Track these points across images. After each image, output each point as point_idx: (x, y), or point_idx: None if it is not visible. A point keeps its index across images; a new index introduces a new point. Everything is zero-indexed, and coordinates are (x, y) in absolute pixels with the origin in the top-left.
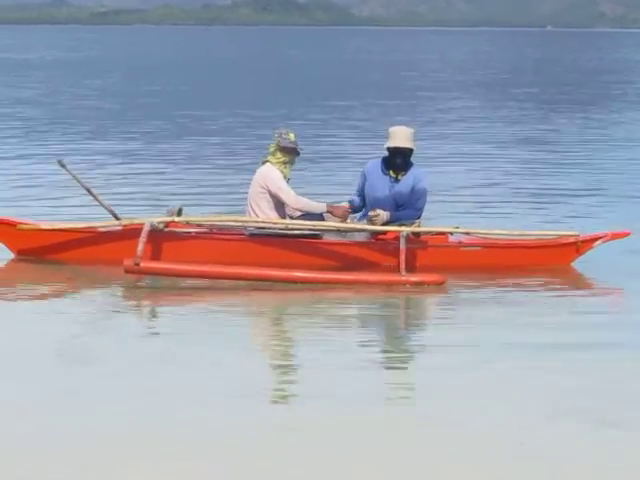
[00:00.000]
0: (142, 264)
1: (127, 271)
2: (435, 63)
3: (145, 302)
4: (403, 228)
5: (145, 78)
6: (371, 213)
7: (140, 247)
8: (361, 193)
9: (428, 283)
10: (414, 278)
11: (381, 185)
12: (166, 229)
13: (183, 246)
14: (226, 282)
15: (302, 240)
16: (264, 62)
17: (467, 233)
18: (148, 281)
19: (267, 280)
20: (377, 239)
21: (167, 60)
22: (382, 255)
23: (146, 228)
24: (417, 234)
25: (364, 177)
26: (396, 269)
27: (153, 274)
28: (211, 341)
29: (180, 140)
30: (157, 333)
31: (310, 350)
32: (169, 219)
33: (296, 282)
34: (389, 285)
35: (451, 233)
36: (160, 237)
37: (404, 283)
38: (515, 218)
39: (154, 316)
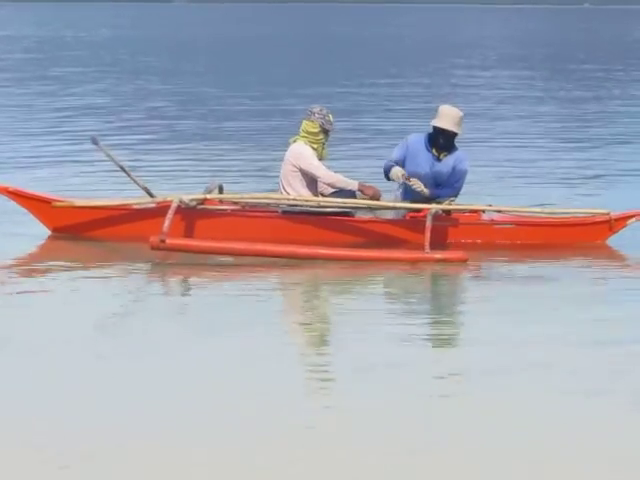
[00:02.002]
0: (168, 241)
1: (153, 247)
2: (481, 40)
3: (179, 280)
4: (433, 205)
5: (185, 56)
6: (411, 182)
7: (166, 224)
8: (399, 163)
9: (451, 261)
10: (437, 255)
11: (423, 161)
12: (199, 207)
13: (215, 223)
14: (256, 259)
15: (333, 218)
16: (307, 39)
17: (499, 211)
18: (182, 258)
19: (292, 257)
20: (410, 217)
21: (210, 38)
22: (413, 233)
23: (174, 205)
24: (448, 212)
25: (406, 148)
26: (428, 246)
27: (179, 250)
28: (243, 318)
29: (216, 118)
30: (189, 311)
31: (344, 326)
32: (201, 196)
33: (320, 259)
34: (413, 262)
35: (483, 211)
36: (192, 214)
37: (427, 260)
38: (549, 196)
39: (187, 294)
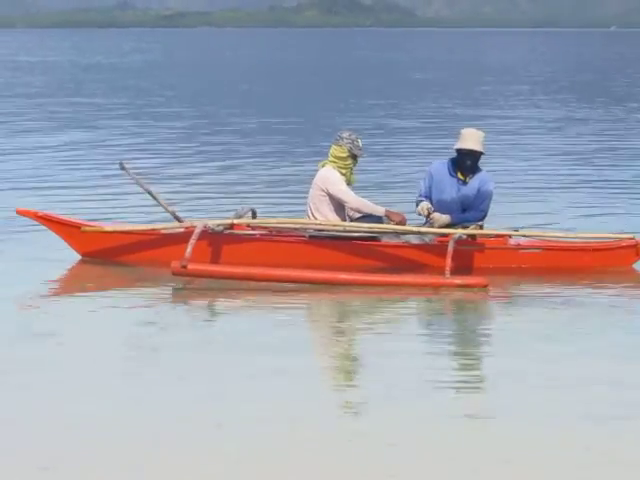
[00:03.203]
0: (189, 266)
1: (174, 273)
2: (504, 63)
3: (206, 305)
4: (458, 230)
5: (210, 80)
6: (430, 217)
7: (189, 249)
8: (428, 194)
9: (471, 286)
10: (457, 281)
11: (448, 187)
12: (227, 231)
13: (242, 249)
14: (281, 284)
15: (360, 242)
16: (330, 64)
17: (525, 236)
18: (211, 284)
19: (314, 282)
20: (438, 241)
21: (240, 63)
22: (438, 258)
23: (197, 230)
24: (473, 236)
25: (430, 178)
26: (449, 271)
27: (201, 276)
28: (270, 344)
29: (244, 143)
30: (216, 337)
31: (369, 352)
32: (228, 221)
33: (340, 284)
34: (432, 287)
35: (510, 236)
36: (219, 239)
37: (447, 286)
38: (575, 218)
39: (215, 319)
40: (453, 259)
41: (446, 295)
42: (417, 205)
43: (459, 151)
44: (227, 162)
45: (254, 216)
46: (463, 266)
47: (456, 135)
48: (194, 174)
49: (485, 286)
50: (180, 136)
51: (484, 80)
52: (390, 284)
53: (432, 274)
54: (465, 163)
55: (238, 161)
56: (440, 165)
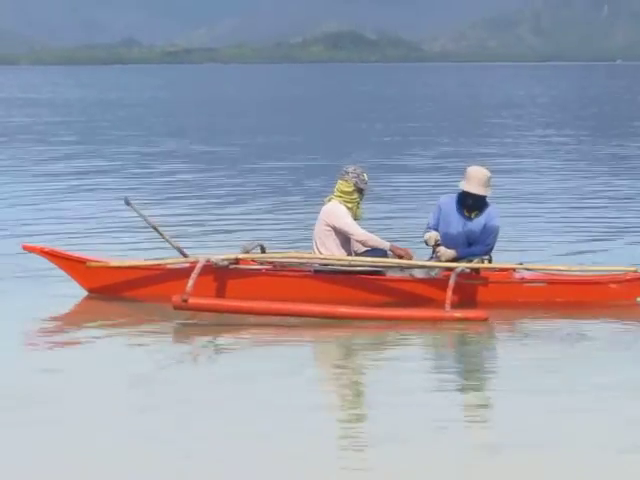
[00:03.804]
0: (190, 300)
1: (175, 307)
2: (510, 99)
3: (210, 340)
4: (460, 264)
5: (217, 116)
6: (437, 249)
7: (190, 283)
8: (436, 227)
9: (471, 319)
10: (457, 314)
11: (455, 222)
12: (232, 266)
13: (247, 283)
14: (284, 318)
15: (364, 277)
16: (336, 99)
17: (529, 269)
18: (218, 319)
19: (311, 316)
20: (444, 275)
21: (247, 99)
22: (442, 291)
23: (199, 265)
24: (477, 270)
25: (439, 211)
26: (449, 305)
27: (202, 310)
28: (273, 380)
29: (249, 178)
30: (220, 373)
31: (373, 389)
32: (232, 256)
33: (340, 318)
34: (432, 321)
35: (514, 269)
36: (223, 274)
37: (447, 319)
38: (579, 253)
39: (218, 355)
40: (455, 293)
41: (450, 330)
42: (425, 235)
43: (463, 191)
44: (234, 198)
45: (263, 251)
46: (467, 300)
47: (462, 172)
48: (202, 209)
49: (485, 319)
50: (191, 174)
51: (490, 114)
52: (391, 318)
53: (436, 308)
54: (468, 202)
55: (245, 197)
56: (448, 199)
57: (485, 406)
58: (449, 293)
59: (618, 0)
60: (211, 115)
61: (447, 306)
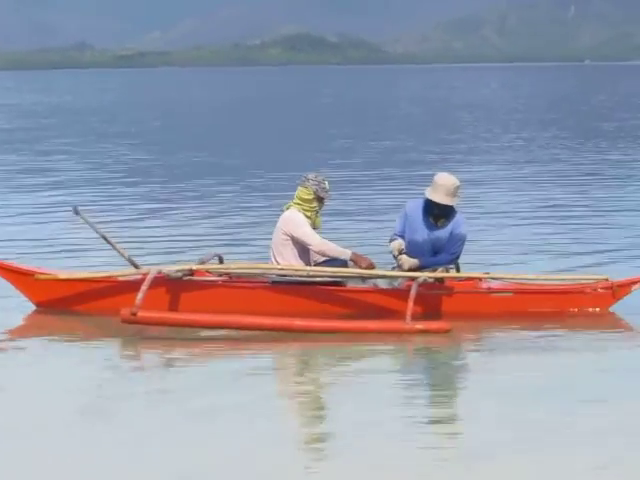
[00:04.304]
0: (140, 313)
1: (124, 320)
2: (478, 101)
3: (161, 354)
4: (423, 274)
5: (170, 121)
6: (398, 258)
7: (139, 296)
8: (402, 233)
9: (432, 331)
10: (418, 326)
11: (420, 229)
12: (186, 278)
13: (201, 295)
14: (238, 332)
15: (324, 287)
16: (293, 103)
17: (496, 278)
18: (170, 333)
19: (267, 329)
20: (407, 285)
21: (201, 103)
22: (404, 302)
23: (150, 276)
24: (441, 280)
25: (405, 217)
26: (410, 316)
27: (153, 324)
28: (228, 397)
29: (204, 186)
30: (171, 389)
31: (334, 402)
32: (186, 267)
33: (294, 331)
34: (393, 333)
35: (480, 279)
36: (177, 286)
37: (408, 332)
38: (545, 261)
39: (169, 370)
40: (418, 304)
41: (412, 342)
42: (390, 242)
43: (428, 200)
44: (190, 206)
45: (221, 262)
46: (430, 311)
47: (430, 179)
48: (155, 218)
49: (447, 331)
50: (145, 181)
51: (458, 117)
52: (349, 330)
53: (397, 320)
54: (434, 212)
55: (199, 204)
56: (415, 204)
57: (450, 420)
58: (410, 304)
59: (585, 0)
60: (166, 120)
61: (408, 318)
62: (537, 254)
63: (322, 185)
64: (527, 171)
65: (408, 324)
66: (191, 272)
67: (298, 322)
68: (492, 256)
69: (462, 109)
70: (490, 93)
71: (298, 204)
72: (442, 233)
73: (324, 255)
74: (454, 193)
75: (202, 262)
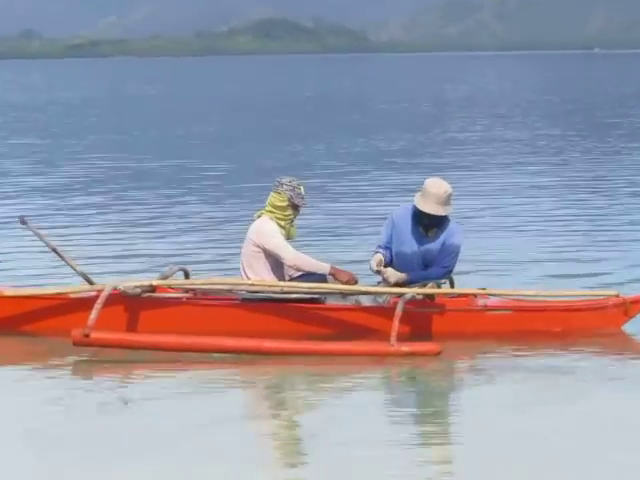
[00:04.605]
0: (93, 334)
1: (75, 343)
2: (476, 94)
3: (117, 380)
4: (411, 290)
5: (126, 120)
6: (382, 272)
7: (92, 315)
8: (389, 244)
9: (421, 354)
10: (405, 348)
11: (409, 239)
12: (146, 294)
13: (164, 314)
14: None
15: (299, 305)
16: (268, 96)
17: (492, 294)
18: (126, 356)
19: (231, 352)
20: (395, 302)
21: (160, 98)
22: (390, 321)
23: (104, 293)
24: (431, 296)
25: (392, 225)
26: (395, 337)
27: (107, 346)
28: (191, 427)
29: (166, 192)
30: (128, 420)
31: (309, 434)
32: (146, 283)
33: (264, 354)
34: (377, 357)
35: (475, 295)
36: (137, 304)
37: (392, 354)
38: (547, 275)
39: (129, 399)
40: (404, 323)
41: (399, 365)
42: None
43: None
44: (153, 215)
45: (187, 276)
46: (419, 331)
47: (420, 185)
48: (111, 230)
49: (437, 353)
50: (92, 185)
51: (448, 111)
52: (326, 353)
53: (381, 341)
54: (424, 222)
55: (162, 214)
56: (403, 212)
57: (442, 462)
58: (395, 323)
59: None
60: (121, 118)
61: (392, 339)
62: (539, 267)
63: (297, 191)
64: (530, 176)
65: (393, 346)
66: (152, 288)
67: (268, 344)
68: (489, 269)
69: (458, 104)
70: (488, 86)
71: (271, 212)
72: (433, 244)
73: (299, 269)
74: (446, 202)
75: (164, 277)
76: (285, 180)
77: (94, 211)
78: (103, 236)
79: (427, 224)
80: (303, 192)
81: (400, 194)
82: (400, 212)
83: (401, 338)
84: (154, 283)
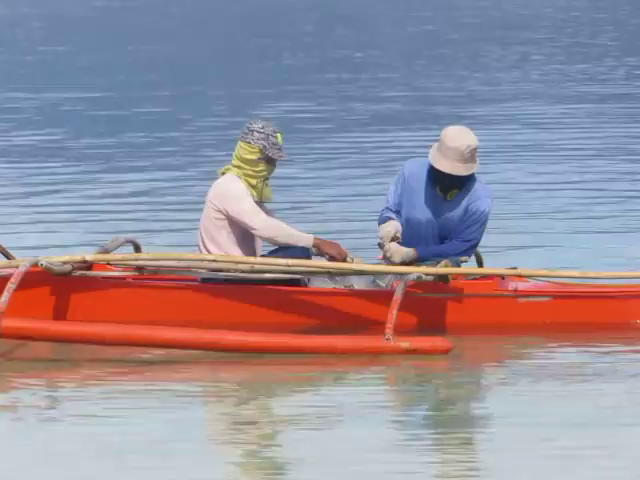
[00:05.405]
0: (4, 323)
1: None
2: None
3: (46, 383)
4: (418, 269)
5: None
6: (385, 249)
7: (4, 298)
8: (399, 206)
9: (425, 352)
10: (404, 344)
11: (422, 203)
12: (77, 272)
13: (100, 297)
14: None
15: (274, 288)
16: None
17: (524, 276)
18: (53, 350)
19: (185, 347)
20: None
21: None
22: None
23: (20, 270)
24: (445, 278)
25: (403, 182)
26: (392, 330)
27: (24, 338)
28: (140, 441)
29: (113, 144)
30: (60, 436)
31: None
32: (78, 257)
33: (227, 350)
34: (368, 354)
35: (502, 277)
36: (64, 284)
37: (389, 352)
38: (594, 253)
39: (60, 407)
40: (407, 312)
41: (397, 368)
42: (381, 223)
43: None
44: (88, 179)
45: (137, 251)
46: (428, 322)
47: (437, 135)
48: (43, 199)
49: (447, 351)
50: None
51: (467, 39)
52: (306, 350)
53: (375, 335)
54: (443, 182)
55: (98, 168)
56: (417, 167)
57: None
58: (392, 312)
59: None
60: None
61: (388, 332)
62: (584, 241)
63: (272, 139)
64: (581, 125)
65: (389, 341)
66: (86, 265)
67: (231, 337)
68: (522, 244)
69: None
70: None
71: (238, 167)
72: (454, 210)
73: (274, 242)
74: (470, 159)
75: (105, 250)
76: (257, 126)
77: (23, 179)
78: (32, 207)
79: (446, 185)
80: (280, 140)
81: (405, 143)
82: (413, 167)
83: (402, 331)
84: (88, 258)
